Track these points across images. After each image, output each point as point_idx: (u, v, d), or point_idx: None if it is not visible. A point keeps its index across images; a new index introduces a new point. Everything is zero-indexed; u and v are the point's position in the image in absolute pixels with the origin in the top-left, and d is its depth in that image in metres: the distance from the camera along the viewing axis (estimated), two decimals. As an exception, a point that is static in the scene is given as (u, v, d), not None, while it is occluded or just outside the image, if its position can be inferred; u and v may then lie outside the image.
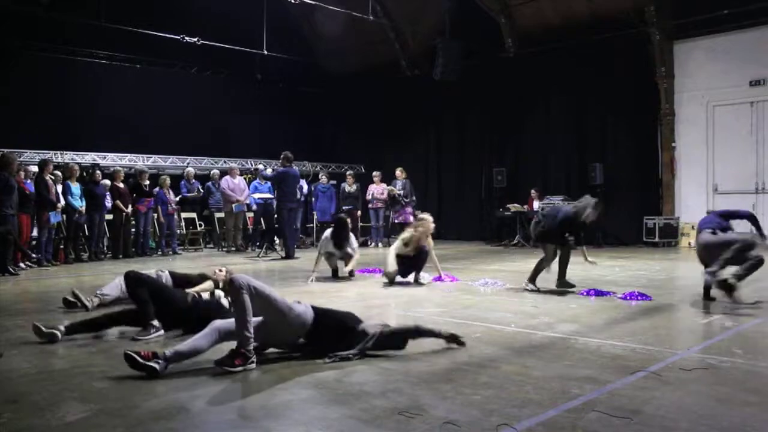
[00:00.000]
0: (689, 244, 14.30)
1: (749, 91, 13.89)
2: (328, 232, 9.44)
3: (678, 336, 5.66)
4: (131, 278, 5.58)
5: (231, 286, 4.35)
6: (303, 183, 13.67)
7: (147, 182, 13.56)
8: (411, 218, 15.68)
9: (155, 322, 5.38)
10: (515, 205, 15.68)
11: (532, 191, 15.65)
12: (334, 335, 4.58)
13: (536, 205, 15.26)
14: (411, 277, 8.72)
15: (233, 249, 14.38)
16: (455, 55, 16.00)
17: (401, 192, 15.53)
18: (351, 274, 9.19)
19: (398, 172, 15.81)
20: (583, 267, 10.67)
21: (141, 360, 4.11)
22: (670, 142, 14.82)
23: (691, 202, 14.59)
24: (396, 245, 8.79)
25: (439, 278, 9.00)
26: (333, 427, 3.26)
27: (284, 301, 4.50)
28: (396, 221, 15.85)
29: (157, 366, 4.09)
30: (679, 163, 14.79)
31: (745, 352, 4.68)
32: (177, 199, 14.48)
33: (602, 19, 14.72)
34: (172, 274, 6.74)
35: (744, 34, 13.76)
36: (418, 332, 4.79)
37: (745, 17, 13.35)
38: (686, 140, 14.71)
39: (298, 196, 13.21)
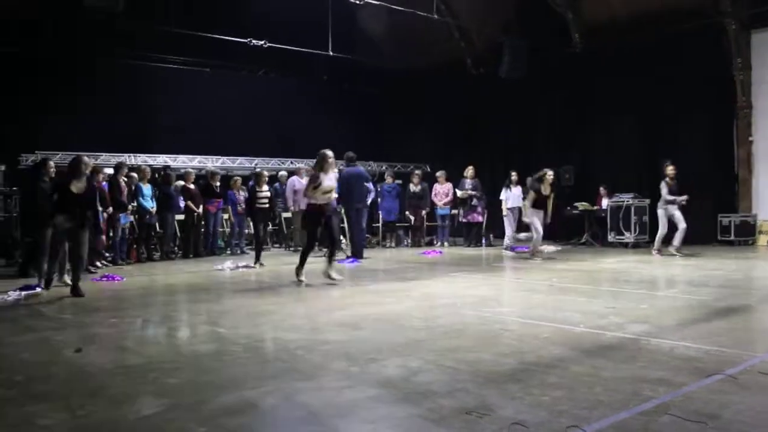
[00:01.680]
0: (767, 242, 13.75)
1: (832, 81, 13.26)
2: None
3: (757, 338, 5.45)
4: None
5: None
6: (370, 185, 13.69)
7: (218, 183, 13.86)
8: (480, 218, 15.60)
9: None
10: (583, 203, 15.37)
11: (601, 189, 15.32)
12: None
13: (605, 203, 14.95)
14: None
15: (300, 248, 14.55)
16: (521, 53, 15.79)
17: (473, 192, 15.40)
18: None
19: (468, 171, 15.66)
20: (654, 266, 10.43)
21: None
22: (747, 136, 14.26)
23: (770, 199, 14.02)
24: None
25: None
26: (401, 426, 3.27)
27: None
28: (463, 220, 15.77)
29: None
30: (757, 158, 14.22)
31: (830, 356, 4.47)
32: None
33: (674, 11, 14.27)
34: None
35: (826, 22, 13.14)
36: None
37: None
38: (764, 134, 14.11)
39: (367, 197, 13.21)
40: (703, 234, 14.28)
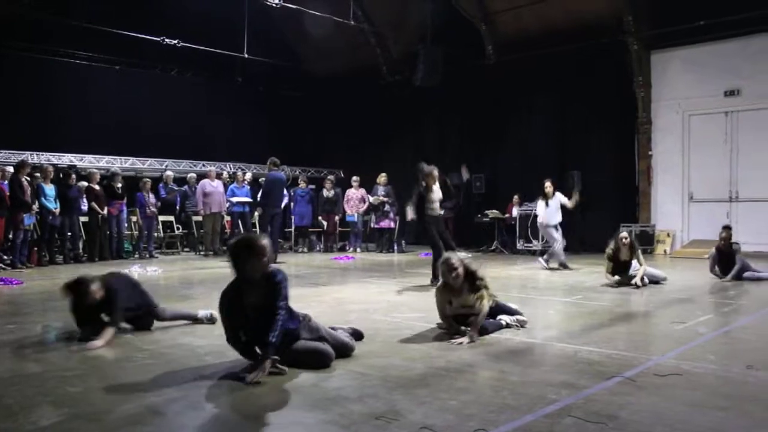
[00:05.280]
0: (665, 251, 14.45)
1: (724, 101, 14.08)
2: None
3: (653, 342, 5.72)
4: None
5: None
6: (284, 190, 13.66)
7: (120, 185, 13.39)
8: (392, 225, 15.72)
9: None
10: (494, 211, 15.71)
11: (515, 197, 15.66)
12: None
13: (515, 211, 15.31)
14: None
15: (210, 253, 14.28)
16: (436, 61, 16.04)
17: (386, 199, 15.51)
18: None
19: (381, 178, 15.78)
20: (561, 274, 10.77)
21: None
22: (647, 150, 14.97)
23: (667, 210, 14.76)
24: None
25: None
26: (310, 432, 3.25)
27: None
28: (375, 226, 15.87)
29: None
30: (656, 171, 14.94)
31: (718, 358, 4.73)
32: (158, 203, 14.35)
33: (581, 28, 14.82)
34: None
35: (719, 45, 13.95)
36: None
37: (720, 29, 13.50)
38: (662, 148, 14.87)
39: (282, 202, 13.19)
40: (606, 242, 14.83)
